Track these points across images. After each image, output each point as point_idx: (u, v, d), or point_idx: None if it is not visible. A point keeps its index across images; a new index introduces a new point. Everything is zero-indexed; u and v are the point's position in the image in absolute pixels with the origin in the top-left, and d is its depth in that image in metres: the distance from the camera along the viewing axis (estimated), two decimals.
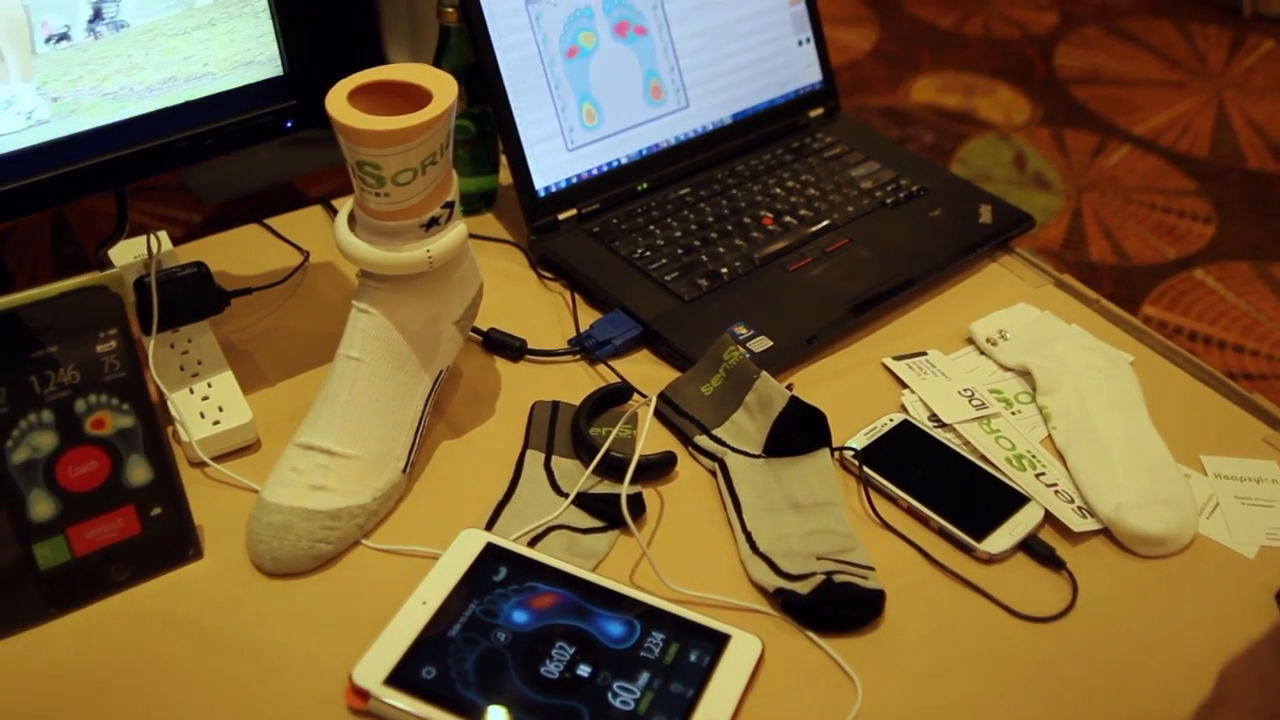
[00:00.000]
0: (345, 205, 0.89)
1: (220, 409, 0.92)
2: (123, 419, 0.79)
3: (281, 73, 0.91)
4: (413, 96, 0.84)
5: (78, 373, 0.77)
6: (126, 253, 1.06)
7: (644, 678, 0.76)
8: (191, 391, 0.94)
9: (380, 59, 0.77)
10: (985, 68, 3.46)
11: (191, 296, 0.96)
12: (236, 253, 1.13)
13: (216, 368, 0.96)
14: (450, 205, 0.87)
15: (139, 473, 0.81)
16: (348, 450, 0.86)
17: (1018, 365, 1.04)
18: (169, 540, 0.83)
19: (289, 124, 0.92)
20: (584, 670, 0.76)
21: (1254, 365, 2.46)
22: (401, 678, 0.74)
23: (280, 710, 0.75)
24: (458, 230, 0.88)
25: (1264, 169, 2.83)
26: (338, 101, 0.81)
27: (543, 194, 1.12)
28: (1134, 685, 0.79)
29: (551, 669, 0.76)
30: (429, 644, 0.77)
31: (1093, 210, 2.90)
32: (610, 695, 0.74)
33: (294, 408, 0.96)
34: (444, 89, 0.82)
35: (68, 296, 0.75)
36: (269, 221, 1.17)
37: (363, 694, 0.74)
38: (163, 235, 1.05)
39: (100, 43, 0.83)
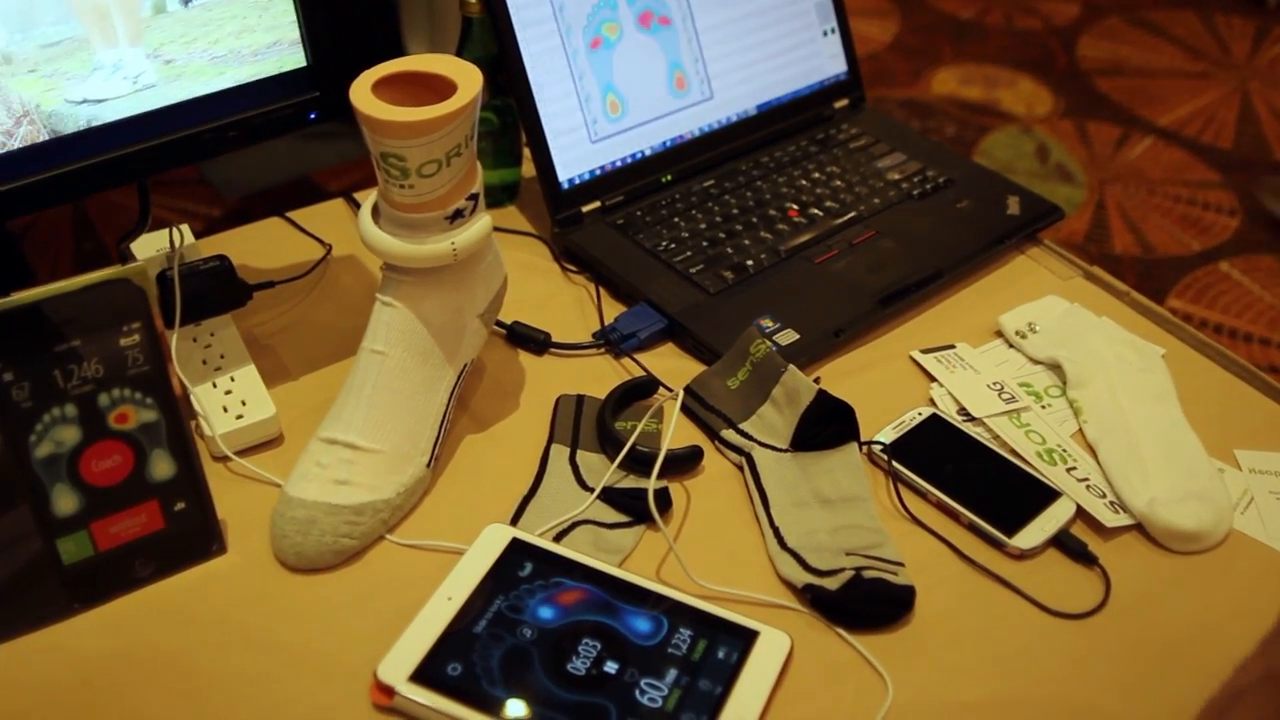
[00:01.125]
0: (369, 198, 0.88)
1: (243, 403, 0.92)
2: (146, 413, 0.79)
3: (305, 64, 0.91)
4: (437, 87, 0.83)
5: (101, 367, 0.76)
6: (149, 246, 1.05)
7: (671, 674, 0.75)
8: (214, 385, 0.93)
9: (399, 51, 0.77)
10: (1007, 59, 3.44)
11: (214, 290, 0.96)
12: (259, 246, 1.13)
13: (239, 361, 0.95)
14: (475, 197, 0.86)
15: (162, 467, 0.80)
16: (372, 444, 0.85)
17: (1048, 358, 1.03)
18: (192, 535, 0.83)
19: (313, 115, 0.92)
20: (611, 667, 0.75)
21: (1249, 364, 2.44)
22: (427, 674, 0.74)
23: (304, 706, 0.75)
24: (483, 222, 0.87)
25: (1276, 160, 2.80)
26: (362, 92, 0.80)
27: (566, 186, 1.12)
28: (1169, 683, 0.78)
29: (578, 665, 0.75)
30: (454, 640, 0.76)
31: (1116, 203, 2.88)
32: (637, 692, 0.74)
33: (317, 402, 0.95)
34: (469, 80, 0.81)
35: (91, 290, 0.75)
36: (291, 215, 1.17)
37: (388, 690, 0.73)
38: (185, 229, 1.05)
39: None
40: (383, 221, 0.86)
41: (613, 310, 1.06)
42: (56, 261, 2.37)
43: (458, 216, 0.85)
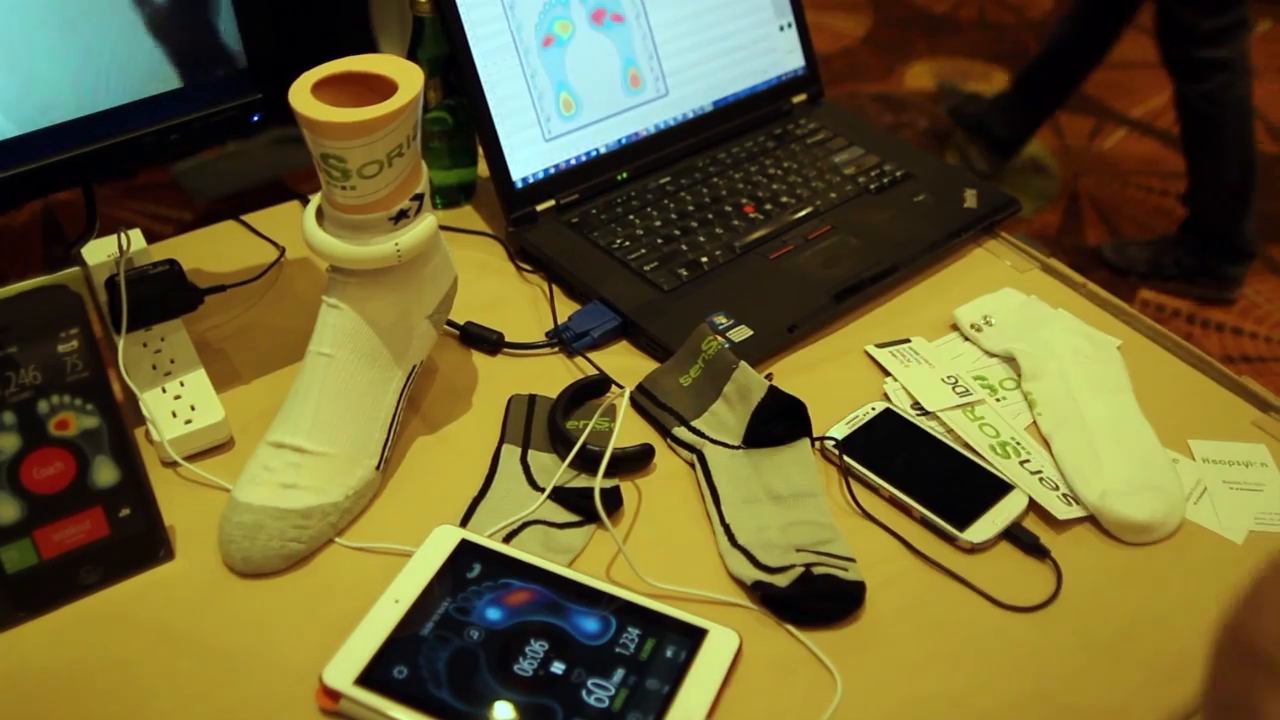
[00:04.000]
0: (314, 199, 0.87)
1: (192, 408, 0.91)
2: (87, 419, 0.78)
3: (244, 65, 0.90)
4: (379, 88, 0.82)
5: (39, 373, 0.76)
6: (100, 251, 1.04)
7: (619, 674, 0.74)
8: (164, 391, 0.92)
9: (345, 50, 0.77)
10: (980, 53, 3.44)
11: (163, 294, 0.95)
12: (212, 250, 1.12)
13: (189, 366, 0.95)
14: (419, 198, 0.85)
15: (106, 474, 0.80)
16: (319, 447, 0.84)
17: (1002, 351, 1.02)
18: (138, 541, 0.82)
19: (256, 118, 0.91)
20: (558, 667, 0.75)
21: (1253, 348, 2.45)
22: (373, 677, 0.73)
23: (251, 712, 0.74)
24: (427, 223, 0.86)
25: (1262, 150, 2.81)
26: (301, 94, 0.80)
27: (520, 185, 1.11)
28: (1120, 674, 0.78)
29: (525, 666, 0.75)
30: (401, 643, 0.75)
31: (1089, 194, 2.88)
32: (584, 692, 0.73)
33: (268, 406, 0.95)
34: (410, 79, 0.81)
35: (25, 297, 0.74)
36: (245, 217, 1.16)
37: (334, 694, 0.73)
38: (135, 233, 1.04)
39: None
40: (326, 223, 0.85)
41: (567, 309, 1.06)
42: (26, 266, 2.35)
43: (402, 217, 0.84)
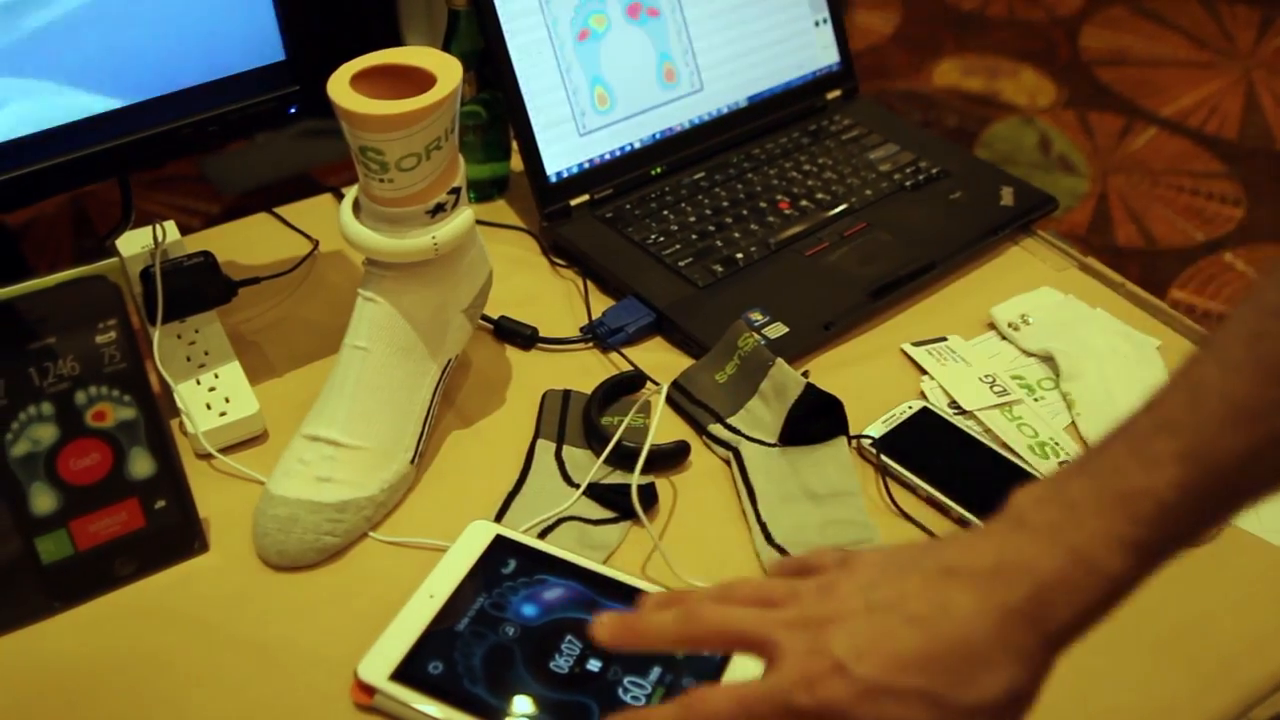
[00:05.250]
0: (351, 192, 0.87)
1: (227, 400, 0.91)
2: (124, 411, 0.78)
3: (282, 57, 0.90)
4: (417, 80, 0.82)
5: (77, 364, 0.76)
6: (135, 243, 1.04)
7: (655, 672, 0.74)
8: (198, 383, 0.92)
9: (384, 43, 0.77)
10: (1009, 50, 3.42)
11: (198, 286, 0.95)
12: (245, 242, 1.12)
13: (223, 358, 0.94)
14: (456, 191, 0.85)
15: (142, 465, 0.79)
16: (354, 441, 0.84)
17: (1040, 350, 1.01)
18: (173, 534, 0.82)
19: (293, 110, 0.91)
20: (594, 665, 0.74)
21: None
22: (408, 673, 0.73)
23: (285, 706, 0.74)
24: (464, 216, 0.86)
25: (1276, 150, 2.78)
26: (340, 86, 0.79)
27: (554, 179, 1.11)
28: (1162, 677, 0.77)
29: (561, 663, 0.74)
30: (436, 638, 0.75)
31: (1119, 194, 2.86)
32: (621, 690, 0.73)
33: (302, 398, 0.94)
34: (448, 72, 0.80)
35: (65, 287, 0.74)
36: (278, 210, 1.16)
37: (368, 689, 0.73)
38: (170, 225, 1.04)
39: None
40: (363, 216, 0.85)
41: (601, 304, 1.05)
42: (55, 258, 2.36)
43: (439, 211, 0.84)
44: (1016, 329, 1.03)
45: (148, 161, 0.88)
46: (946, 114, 3.11)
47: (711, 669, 0.74)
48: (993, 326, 1.05)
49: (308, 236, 1.12)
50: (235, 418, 0.90)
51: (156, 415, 0.79)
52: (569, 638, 0.76)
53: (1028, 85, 3.18)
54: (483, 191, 1.18)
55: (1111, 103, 3.16)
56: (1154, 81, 3.26)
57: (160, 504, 0.81)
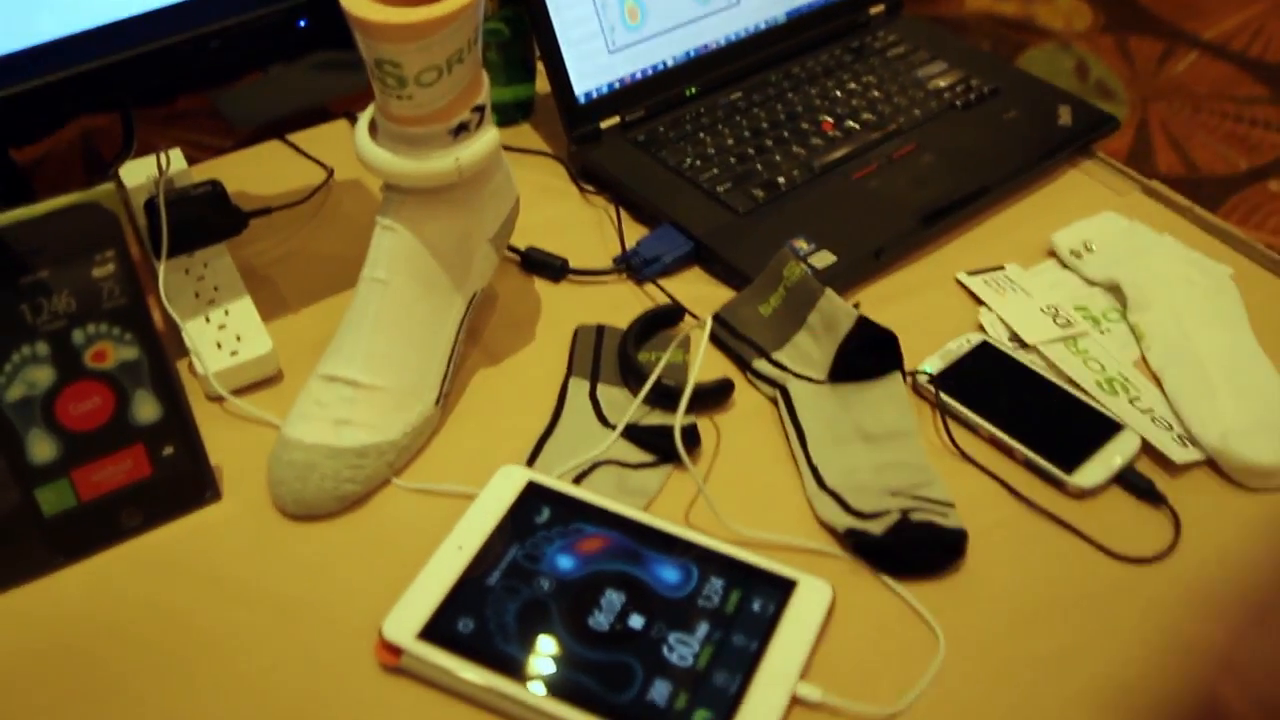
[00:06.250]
0: (367, 112, 0.81)
1: (238, 338, 0.85)
2: (126, 350, 0.72)
3: None
4: None
5: (73, 300, 0.70)
6: (139, 173, 0.98)
7: (703, 629, 0.68)
8: (207, 320, 0.87)
9: None
10: None
11: (205, 217, 0.89)
12: (257, 171, 1.06)
13: (234, 294, 0.89)
14: (480, 109, 0.78)
15: (147, 409, 0.74)
16: (375, 381, 0.78)
17: (1106, 280, 0.95)
18: (183, 482, 0.76)
19: (302, 23, 0.84)
20: (636, 621, 0.69)
21: None
22: (436, 631, 0.68)
23: (304, 667, 0.69)
24: (489, 136, 0.79)
25: None
26: None
27: (583, 101, 1.04)
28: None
29: (600, 620, 0.69)
30: (466, 593, 0.70)
31: (1160, 120, 2.78)
32: (665, 648, 0.67)
33: (318, 336, 0.89)
34: None
35: (56, 216, 0.68)
36: (291, 137, 1.10)
37: (395, 649, 0.68)
38: (176, 153, 0.98)
39: None
40: (381, 137, 0.79)
41: (634, 233, 0.99)
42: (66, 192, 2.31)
43: (461, 130, 0.77)
44: (1079, 257, 0.96)
45: (149, 85, 0.81)
46: (980, 39, 3.01)
47: (763, 624, 0.69)
48: (1053, 254, 0.98)
49: (322, 164, 1.06)
50: (247, 357, 0.84)
51: (161, 355, 0.73)
52: (609, 592, 0.70)
53: (1064, 9, 3.08)
54: (506, 115, 1.11)
55: (1151, 26, 3.06)
56: (1195, 4, 3.16)
57: (168, 451, 0.75)
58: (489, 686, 0.65)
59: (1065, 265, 0.97)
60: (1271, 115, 2.73)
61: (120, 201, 0.86)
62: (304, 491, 0.76)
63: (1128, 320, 0.92)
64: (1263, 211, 2.52)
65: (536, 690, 0.65)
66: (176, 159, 0.97)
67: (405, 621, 0.68)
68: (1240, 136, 2.70)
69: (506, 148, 1.08)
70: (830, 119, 1.08)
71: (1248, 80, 2.87)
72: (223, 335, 0.85)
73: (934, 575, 0.74)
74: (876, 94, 1.11)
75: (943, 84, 1.14)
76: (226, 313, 0.87)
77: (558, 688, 0.65)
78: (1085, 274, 0.96)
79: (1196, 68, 2.95)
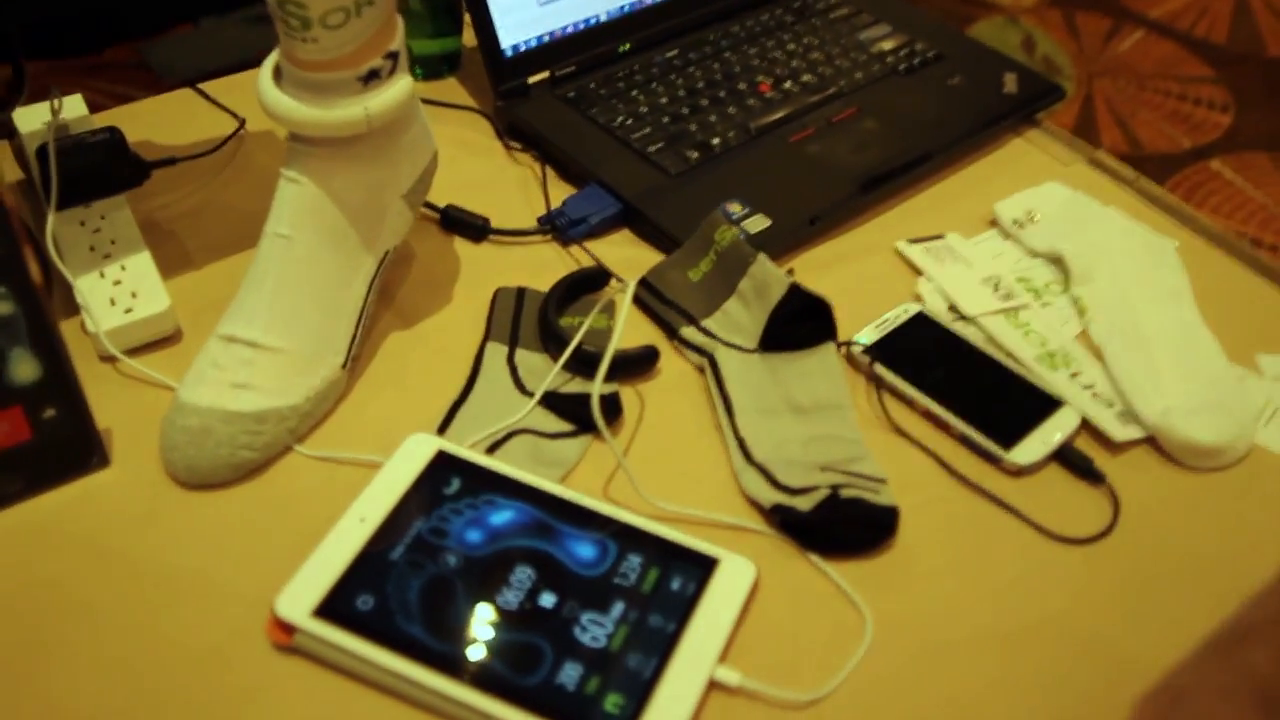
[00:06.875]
0: (271, 56, 0.75)
1: (134, 295, 0.80)
2: (0, 305, 0.67)
3: None
4: None
5: None
6: (34, 118, 0.92)
7: (618, 609, 0.65)
8: (102, 275, 0.81)
9: None
10: None
11: (103, 166, 0.84)
12: (165, 121, 1.00)
13: (132, 248, 0.83)
14: (394, 56, 0.74)
15: (25, 369, 0.69)
16: (276, 342, 0.73)
17: (1048, 251, 0.92)
18: (66, 446, 0.71)
19: None
20: (547, 600, 0.65)
21: (1273, 261, 2.34)
22: (332, 609, 0.63)
23: (193, 644, 0.64)
24: (402, 84, 0.74)
25: None
26: None
27: (510, 54, 0.99)
28: (1185, 616, 0.68)
29: (509, 598, 0.65)
30: (366, 569, 0.65)
31: (1105, 97, 2.76)
32: (577, 629, 0.63)
33: (224, 295, 0.83)
34: None
35: None
36: (204, 86, 1.04)
37: (287, 627, 0.63)
38: (74, 99, 0.92)
39: None
40: (285, 83, 0.74)
41: (561, 193, 0.94)
42: None
43: (372, 77, 0.73)
44: (1022, 227, 0.93)
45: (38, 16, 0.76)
46: (928, 12, 2.99)
47: (682, 604, 0.65)
48: (995, 224, 0.95)
49: (234, 114, 1.01)
50: (142, 315, 0.79)
51: (40, 310, 0.68)
52: (519, 568, 0.66)
53: None
54: (432, 68, 1.06)
55: (1098, 3, 3.05)
56: None
57: (49, 413, 0.70)
58: (387, 668, 0.61)
59: (1008, 235, 0.94)
60: (1215, 95, 2.72)
61: (17, 153, 0.81)
62: (197, 458, 0.71)
63: (1070, 293, 0.89)
64: (1205, 190, 2.52)
65: (437, 672, 0.61)
66: (76, 105, 0.92)
67: (300, 598, 0.64)
68: (1184, 115, 2.70)
69: (431, 102, 1.03)
70: (769, 80, 1.04)
71: (1192, 59, 2.86)
72: (117, 291, 0.80)
73: (863, 554, 0.70)
74: (817, 55, 1.07)
75: (886, 47, 1.10)
76: (123, 268, 0.82)
77: (460, 669, 0.61)
78: (1028, 244, 0.93)
79: (1142, 46, 2.94)
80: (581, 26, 1.02)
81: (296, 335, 0.74)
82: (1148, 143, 2.61)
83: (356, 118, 0.72)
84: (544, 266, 0.88)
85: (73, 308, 0.81)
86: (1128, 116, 2.70)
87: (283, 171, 0.75)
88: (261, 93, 0.74)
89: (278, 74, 0.75)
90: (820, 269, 0.90)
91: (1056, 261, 0.91)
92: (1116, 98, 2.76)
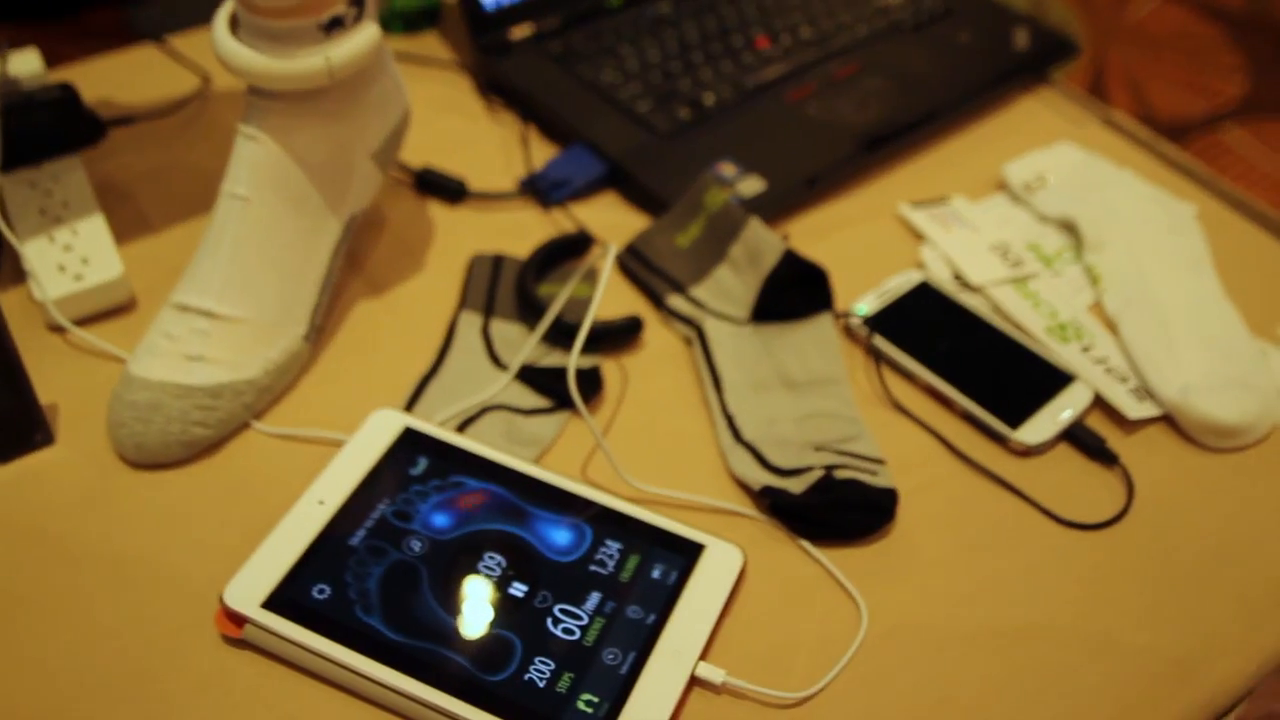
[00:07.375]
0: (228, 3, 0.70)
1: (85, 261, 0.75)
2: None
3: None
4: None
5: None
6: None
7: (593, 599, 0.60)
8: (51, 240, 0.76)
9: None
10: None
11: (55, 125, 0.80)
12: (126, 78, 0.95)
13: (84, 211, 0.78)
14: (359, 3, 0.69)
15: None
16: (233, 311, 0.69)
17: (1060, 216, 0.87)
18: (5, 422, 0.67)
19: None
20: (518, 589, 0.60)
21: None
22: (285, 599, 0.59)
23: (136, 635, 0.60)
24: (368, 33, 0.69)
25: None
26: None
27: (491, 7, 0.94)
28: (1204, 608, 0.64)
29: (477, 587, 0.60)
30: (323, 556, 0.61)
31: (1118, 63, 2.72)
32: (550, 621, 0.59)
33: (183, 262, 0.79)
34: None
35: None
36: (169, 39, 0.99)
37: (237, 618, 0.59)
38: (29, 54, 0.87)
39: None
40: (242, 32, 0.69)
41: (544, 154, 0.89)
42: None
43: (335, 26, 0.67)
44: (1033, 191, 0.88)
45: None
46: None
47: (663, 595, 0.60)
48: (1004, 188, 0.90)
49: (199, 71, 0.95)
50: (93, 283, 0.74)
51: None
52: (488, 555, 0.61)
53: None
54: (411, 22, 1.01)
55: None
56: None
57: None
58: (343, 663, 0.57)
59: (1017, 199, 0.89)
60: (1231, 60, 2.67)
61: None
62: (146, 435, 0.66)
63: (1083, 261, 0.84)
64: (1219, 159, 2.47)
65: (396, 668, 0.56)
66: (30, 60, 0.87)
67: (251, 587, 0.59)
68: (1200, 85, 2.65)
69: (408, 57, 0.98)
70: (766, 34, 0.98)
71: (1207, 24, 2.81)
72: (67, 257, 0.75)
73: (859, 540, 0.66)
74: (818, 9, 1.02)
75: (892, 1, 1.04)
76: (74, 232, 0.77)
77: (421, 665, 0.56)
78: (1038, 209, 0.88)
79: (1157, 10, 2.89)
80: None
81: (255, 304, 0.69)
82: (1162, 109, 2.57)
83: (318, 68, 0.67)
84: (524, 231, 0.83)
85: (20, 275, 0.76)
86: (1141, 82, 2.65)
87: (240, 128, 0.70)
88: (216, 42, 0.69)
89: (235, 23, 0.70)
90: (817, 234, 0.85)
91: (1068, 227, 0.86)
92: (1130, 63, 2.71)
